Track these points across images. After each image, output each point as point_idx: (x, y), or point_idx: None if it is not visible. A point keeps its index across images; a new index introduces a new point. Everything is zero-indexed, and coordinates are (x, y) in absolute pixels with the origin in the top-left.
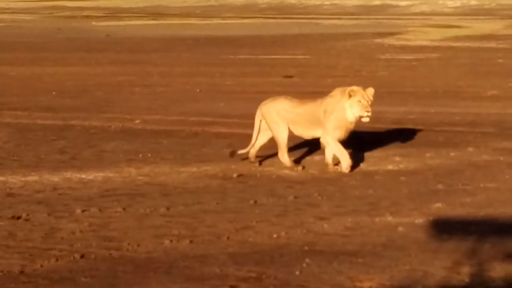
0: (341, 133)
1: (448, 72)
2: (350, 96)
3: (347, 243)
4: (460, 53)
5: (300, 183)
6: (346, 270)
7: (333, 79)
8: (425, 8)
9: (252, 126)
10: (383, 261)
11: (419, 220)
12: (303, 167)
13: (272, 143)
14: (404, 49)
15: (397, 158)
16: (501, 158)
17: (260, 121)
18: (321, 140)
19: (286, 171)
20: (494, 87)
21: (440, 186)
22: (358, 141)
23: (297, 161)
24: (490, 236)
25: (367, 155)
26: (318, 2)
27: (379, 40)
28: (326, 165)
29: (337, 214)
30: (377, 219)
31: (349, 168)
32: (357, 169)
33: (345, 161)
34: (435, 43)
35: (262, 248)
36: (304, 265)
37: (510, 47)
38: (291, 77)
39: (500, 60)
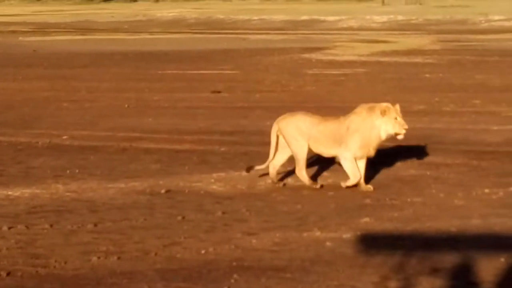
0: (364, 152)
1: (375, 87)
2: (383, 114)
3: (275, 259)
4: (388, 68)
5: (228, 198)
6: (274, 286)
7: (261, 94)
8: (352, 23)
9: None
10: (311, 276)
11: (347, 235)
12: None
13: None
14: (331, 64)
15: (325, 173)
16: (428, 173)
17: (277, 137)
18: (339, 155)
19: (214, 187)
20: (421, 102)
21: (367, 201)
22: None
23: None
24: (417, 251)
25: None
26: (246, 17)
27: (306, 55)
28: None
29: (265, 229)
30: (305, 234)
31: (350, 184)
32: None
33: (354, 180)
34: (363, 58)
35: (190, 264)
36: (232, 281)
37: (436, 62)
38: (219, 92)
39: (427, 75)
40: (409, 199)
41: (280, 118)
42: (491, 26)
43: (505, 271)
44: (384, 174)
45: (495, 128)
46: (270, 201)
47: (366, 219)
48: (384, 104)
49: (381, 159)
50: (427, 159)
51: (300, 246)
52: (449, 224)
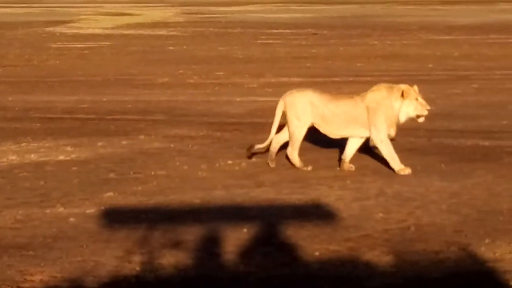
0: (391, 131)
1: (120, 60)
2: (403, 96)
3: (18, 236)
4: (132, 41)
5: None
6: (17, 264)
7: (3, 69)
8: None
9: None
10: (54, 253)
11: (91, 210)
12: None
13: None
14: (76, 37)
15: (69, 148)
16: (172, 145)
17: (283, 113)
18: (373, 138)
19: None
20: (165, 75)
21: (112, 175)
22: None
23: None
24: (161, 224)
25: (38, 145)
26: None
27: (50, 29)
28: (342, 161)
29: (7, 206)
30: (48, 211)
31: (401, 172)
32: (27, 160)
33: (397, 165)
34: (107, 31)
35: None
36: None
37: (180, 34)
38: None
39: (171, 48)
40: (153, 172)
41: (287, 93)
42: None
43: (247, 241)
44: (128, 148)
45: (238, 99)
46: (12, 178)
47: (110, 194)
48: (403, 86)
49: (126, 132)
50: (170, 132)
51: (43, 222)
52: (192, 196)
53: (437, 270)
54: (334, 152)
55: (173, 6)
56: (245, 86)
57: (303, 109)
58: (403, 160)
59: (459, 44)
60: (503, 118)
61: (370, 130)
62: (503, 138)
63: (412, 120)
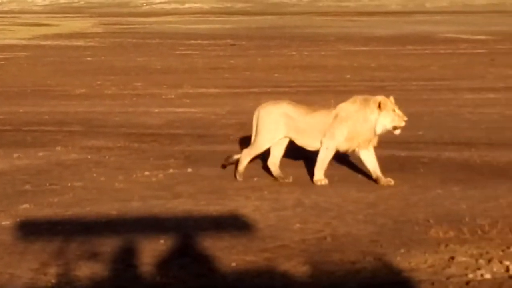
0: (351, 145)
1: (37, 70)
2: (380, 108)
3: None
4: (49, 52)
5: None
6: None
7: None
8: (14, 6)
9: None
10: None
11: (6, 222)
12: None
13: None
14: None
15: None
16: (89, 157)
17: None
18: (323, 141)
19: None
20: (82, 85)
21: (28, 187)
22: None
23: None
24: (77, 235)
25: None
26: None
27: None
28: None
29: None
30: None
31: (319, 182)
32: None
33: (319, 174)
34: (24, 42)
35: None
36: None
37: (98, 45)
38: None
39: (89, 58)
40: (69, 184)
41: (262, 105)
42: (152, 9)
43: (164, 252)
44: (45, 159)
45: (156, 110)
46: None
47: (26, 205)
48: (380, 97)
49: (43, 143)
50: (88, 143)
51: None
52: (109, 207)
53: (353, 280)
54: (252, 163)
55: (91, 16)
56: (163, 97)
57: (276, 123)
58: None
59: (376, 55)
60: (419, 129)
61: (325, 134)
62: (419, 149)
63: (389, 133)
